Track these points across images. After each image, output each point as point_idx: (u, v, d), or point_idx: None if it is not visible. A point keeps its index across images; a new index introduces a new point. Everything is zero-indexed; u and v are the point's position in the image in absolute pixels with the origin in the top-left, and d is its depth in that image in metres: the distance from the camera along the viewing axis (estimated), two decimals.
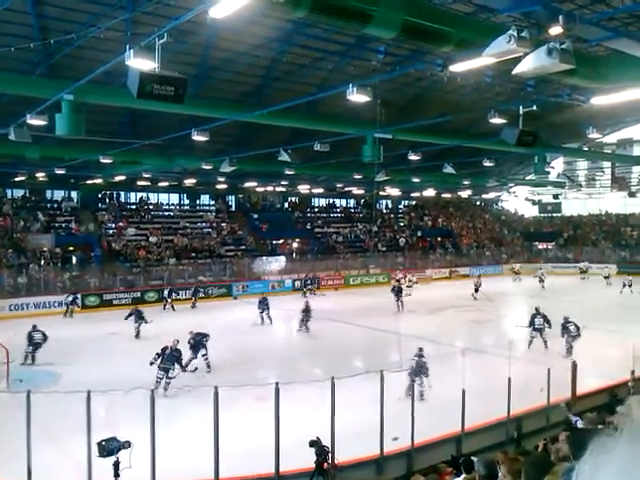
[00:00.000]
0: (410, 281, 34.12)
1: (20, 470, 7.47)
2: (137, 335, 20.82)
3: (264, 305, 24.06)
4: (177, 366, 14.02)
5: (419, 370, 12.86)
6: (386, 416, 8.98)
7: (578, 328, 17.19)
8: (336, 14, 8.66)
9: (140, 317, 20.98)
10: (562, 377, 11.44)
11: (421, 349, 13.35)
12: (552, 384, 10.82)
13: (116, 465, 6.90)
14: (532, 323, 18.52)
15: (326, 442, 8.27)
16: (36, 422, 7.58)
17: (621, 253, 44.58)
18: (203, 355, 15.80)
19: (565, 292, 31.41)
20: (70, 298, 26.64)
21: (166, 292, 28.60)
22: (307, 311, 22.14)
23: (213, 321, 25.15)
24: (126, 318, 21.27)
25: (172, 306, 27.90)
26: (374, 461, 8.97)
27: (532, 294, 31.54)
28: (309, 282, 34.21)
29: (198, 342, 15.84)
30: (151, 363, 13.75)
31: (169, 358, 13.85)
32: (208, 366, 15.70)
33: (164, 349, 13.97)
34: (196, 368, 15.14)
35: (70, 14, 17.70)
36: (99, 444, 6.86)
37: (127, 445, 6.88)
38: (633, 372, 12.01)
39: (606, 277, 36.78)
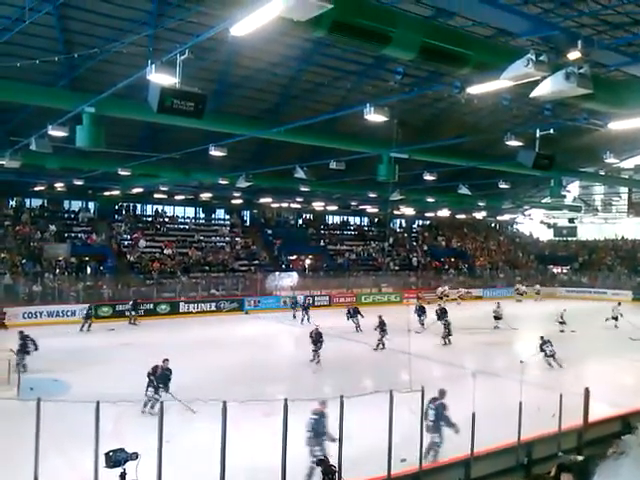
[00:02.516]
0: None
1: (27, 478, 7.48)
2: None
3: (24, 350, 16.70)
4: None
5: None
6: (394, 437, 8.90)
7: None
8: (355, 35, 8.76)
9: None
10: (574, 403, 11.29)
11: None
12: (564, 410, 10.66)
13: (123, 476, 6.90)
14: (542, 349, 18.95)
15: (333, 461, 8.21)
16: (45, 431, 7.61)
17: (637, 279, 44.03)
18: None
19: (574, 319, 30.99)
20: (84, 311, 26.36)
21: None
22: None
23: (223, 335, 25.22)
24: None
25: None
26: None
27: (544, 319, 31.21)
28: (134, 307, 28.68)
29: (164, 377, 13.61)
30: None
31: (161, 378, 13.40)
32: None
33: (155, 368, 13.54)
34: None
35: (94, 29, 18.05)
36: (107, 455, 6.87)
37: (134, 457, 6.88)
38: None
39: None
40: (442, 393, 10.74)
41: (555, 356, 18.63)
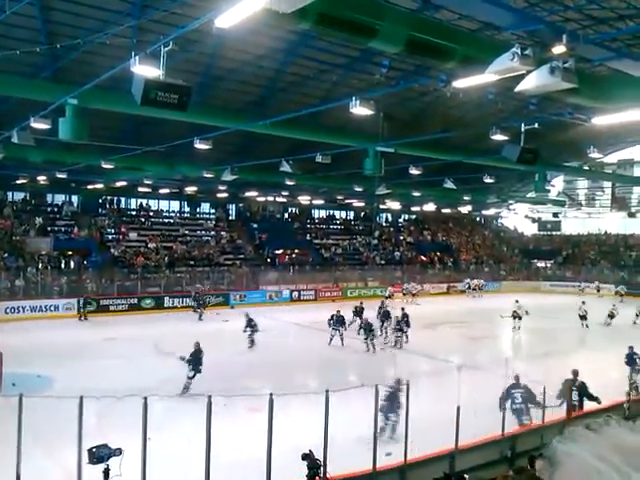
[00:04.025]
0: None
1: (9, 475, 7.39)
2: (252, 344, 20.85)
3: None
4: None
5: None
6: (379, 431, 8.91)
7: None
8: (341, 27, 8.71)
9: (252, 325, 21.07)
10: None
11: None
12: (547, 403, 10.75)
13: (106, 473, 6.83)
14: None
15: (319, 455, 8.20)
16: (27, 427, 7.51)
17: (620, 273, 44.52)
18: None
19: (557, 311, 31.26)
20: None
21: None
22: None
23: (209, 330, 25.10)
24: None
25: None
26: (367, 476, 8.89)
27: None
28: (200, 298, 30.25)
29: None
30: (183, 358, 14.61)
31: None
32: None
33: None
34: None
35: (77, 20, 17.83)
36: (90, 451, 6.80)
37: (118, 453, 6.82)
38: (629, 393, 11.96)
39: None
40: (576, 373, 12.05)
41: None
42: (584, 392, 11.78)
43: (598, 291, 39.88)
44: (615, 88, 12.00)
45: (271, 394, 7.98)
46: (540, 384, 11.36)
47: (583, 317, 26.74)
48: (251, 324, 21.08)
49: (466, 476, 7.96)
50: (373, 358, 19.52)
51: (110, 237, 36.13)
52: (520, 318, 25.59)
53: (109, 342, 21.41)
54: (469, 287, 41.70)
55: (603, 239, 51.77)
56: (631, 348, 16.06)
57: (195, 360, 14.60)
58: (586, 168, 37.96)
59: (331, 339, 21.37)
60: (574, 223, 54.27)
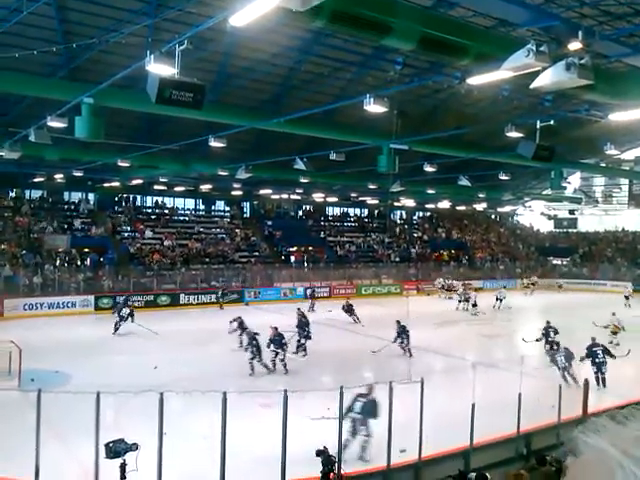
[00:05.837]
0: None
1: (28, 469, 7.51)
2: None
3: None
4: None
5: None
6: (394, 428, 8.92)
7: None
8: (355, 25, 8.72)
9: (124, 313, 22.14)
10: (574, 394, 11.32)
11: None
12: (563, 401, 10.69)
13: (123, 467, 6.93)
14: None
15: (333, 452, 8.24)
16: (45, 421, 7.63)
17: (637, 271, 44.00)
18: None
19: (573, 308, 31.01)
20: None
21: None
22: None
23: (223, 327, 25.23)
24: None
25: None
26: (381, 473, 8.92)
27: (545, 309, 31.18)
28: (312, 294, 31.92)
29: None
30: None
31: (275, 342, 16.29)
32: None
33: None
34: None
35: (93, 19, 17.97)
36: (107, 445, 6.90)
37: (134, 447, 6.91)
38: None
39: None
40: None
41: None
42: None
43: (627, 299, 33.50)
44: (632, 84, 11.89)
45: (285, 390, 8.03)
46: (555, 382, 11.30)
47: None
48: (120, 313, 22.08)
49: (488, 475, 7.92)
50: (388, 356, 19.49)
51: (126, 234, 36.47)
52: (502, 300, 31.35)
53: (126, 338, 21.60)
54: (442, 287, 38.01)
55: (620, 236, 51.17)
56: (548, 322, 17.56)
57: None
58: (603, 165, 37.57)
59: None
60: (591, 220, 53.73)
